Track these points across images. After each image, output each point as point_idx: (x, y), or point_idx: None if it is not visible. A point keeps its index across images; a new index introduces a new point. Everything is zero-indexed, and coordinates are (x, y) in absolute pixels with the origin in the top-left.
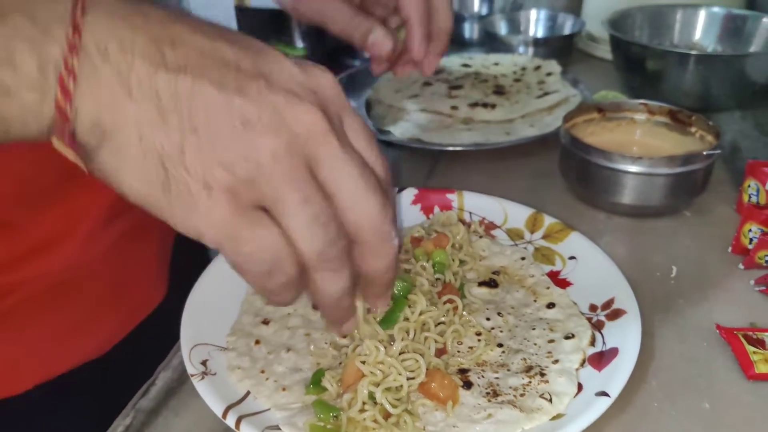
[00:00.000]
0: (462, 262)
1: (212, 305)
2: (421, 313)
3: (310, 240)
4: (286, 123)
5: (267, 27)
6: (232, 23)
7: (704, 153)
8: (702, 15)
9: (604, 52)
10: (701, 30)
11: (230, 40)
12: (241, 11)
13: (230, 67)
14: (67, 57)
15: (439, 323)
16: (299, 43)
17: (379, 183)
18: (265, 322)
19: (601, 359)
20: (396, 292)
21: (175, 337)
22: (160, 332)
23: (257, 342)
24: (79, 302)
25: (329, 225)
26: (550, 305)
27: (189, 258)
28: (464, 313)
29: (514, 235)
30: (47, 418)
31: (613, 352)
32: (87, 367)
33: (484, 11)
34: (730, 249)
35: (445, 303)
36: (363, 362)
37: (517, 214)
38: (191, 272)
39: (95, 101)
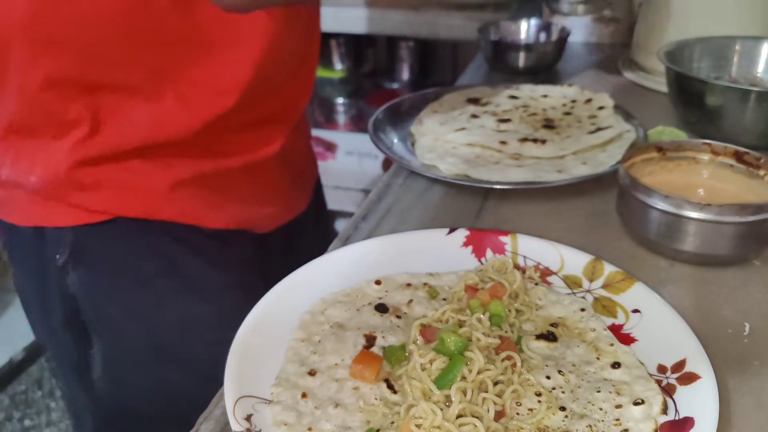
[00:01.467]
0: (518, 311)
1: (255, 353)
2: (479, 372)
3: None
4: None
5: None
6: None
7: None
8: (764, 47)
9: (655, 83)
10: (764, 63)
11: None
12: None
13: None
14: None
15: (496, 382)
16: (338, 65)
17: None
18: (312, 374)
19: (674, 430)
20: (452, 348)
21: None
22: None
23: (304, 395)
24: (261, 178)
25: None
26: (615, 365)
27: (318, 204)
28: (523, 370)
29: (572, 282)
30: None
31: (689, 423)
32: (253, 236)
33: (531, 40)
34: None
35: (503, 360)
36: (418, 426)
37: (575, 261)
38: (319, 214)
39: None
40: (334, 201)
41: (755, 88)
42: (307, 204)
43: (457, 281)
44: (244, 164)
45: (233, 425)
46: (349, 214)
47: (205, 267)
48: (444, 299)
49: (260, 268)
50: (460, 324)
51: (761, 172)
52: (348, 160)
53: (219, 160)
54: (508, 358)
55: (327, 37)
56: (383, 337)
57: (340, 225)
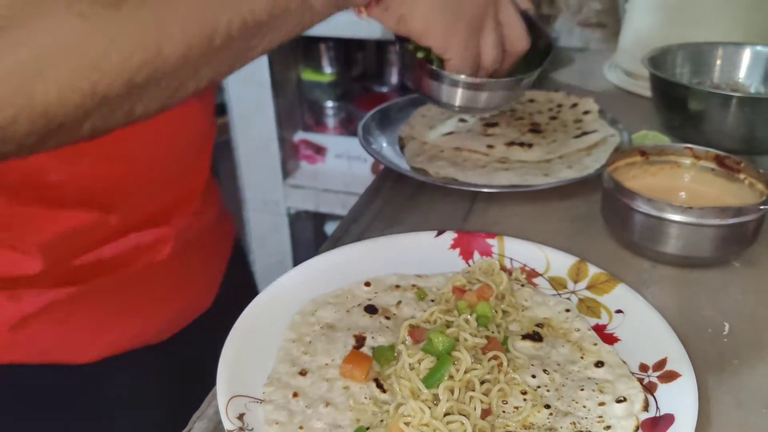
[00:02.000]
0: (504, 312)
1: (247, 353)
2: (466, 371)
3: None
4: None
5: (297, 52)
6: None
7: (760, 207)
8: (746, 54)
9: (640, 88)
10: (745, 69)
11: None
12: None
13: None
14: None
15: (483, 381)
16: (327, 69)
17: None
18: (302, 373)
19: (655, 426)
20: (440, 348)
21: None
22: (204, 335)
23: (295, 394)
24: (151, 286)
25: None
26: (599, 364)
27: (235, 281)
28: (509, 369)
29: (557, 284)
30: (109, 390)
31: (669, 420)
32: (145, 351)
33: None
34: None
35: (490, 360)
36: (407, 423)
37: (560, 262)
38: (235, 294)
39: None
40: (324, 204)
41: (736, 94)
42: (218, 289)
43: (445, 283)
44: (124, 277)
45: (226, 424)
46: (339, 217)
47: (66, 414)
48: (432, 300)
49: (166, 379)
50: (448, 324)
51: (741, 176)
52: (337, 163)
53: (84, 284)
54: (495, 357)
55: (316, 41)
56: (373, 337)
57: (330, 228)
